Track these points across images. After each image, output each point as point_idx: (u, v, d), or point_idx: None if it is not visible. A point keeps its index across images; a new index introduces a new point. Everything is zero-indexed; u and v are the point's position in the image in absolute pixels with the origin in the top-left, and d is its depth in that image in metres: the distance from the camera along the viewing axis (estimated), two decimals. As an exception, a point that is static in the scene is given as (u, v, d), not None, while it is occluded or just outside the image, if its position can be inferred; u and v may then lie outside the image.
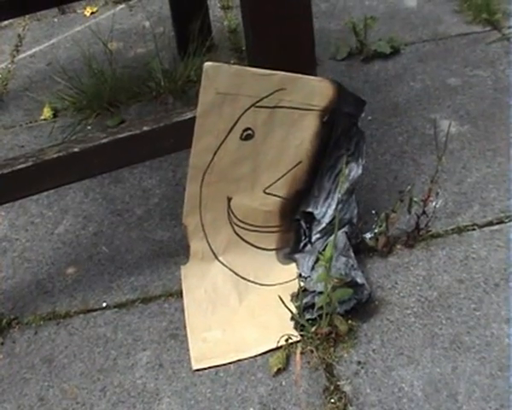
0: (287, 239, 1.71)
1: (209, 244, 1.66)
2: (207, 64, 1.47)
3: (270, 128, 1.57)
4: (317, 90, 1.56)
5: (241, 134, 1.56)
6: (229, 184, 1.61)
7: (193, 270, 1.69)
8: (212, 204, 1.62)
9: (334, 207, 1.64)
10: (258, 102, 1.53)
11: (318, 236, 1.68)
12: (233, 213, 1.65)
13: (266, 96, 1.52)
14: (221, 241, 1.67)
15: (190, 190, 1.60)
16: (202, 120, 1.51)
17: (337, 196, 1.64)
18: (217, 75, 1.47)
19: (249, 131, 1.56)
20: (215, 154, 1.56)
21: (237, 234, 1.68)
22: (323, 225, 1.67)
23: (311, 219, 1.68)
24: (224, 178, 1.60)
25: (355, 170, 1.64)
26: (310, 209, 1.67)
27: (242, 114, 1.53)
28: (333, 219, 1.63)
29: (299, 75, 1.53)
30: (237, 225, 1.67)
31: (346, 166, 1.61)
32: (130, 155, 1.58)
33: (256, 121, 1.55)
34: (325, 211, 1.66)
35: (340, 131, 1.62)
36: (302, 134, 1.59)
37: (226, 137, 1.55)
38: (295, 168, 1.63)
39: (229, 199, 1.64)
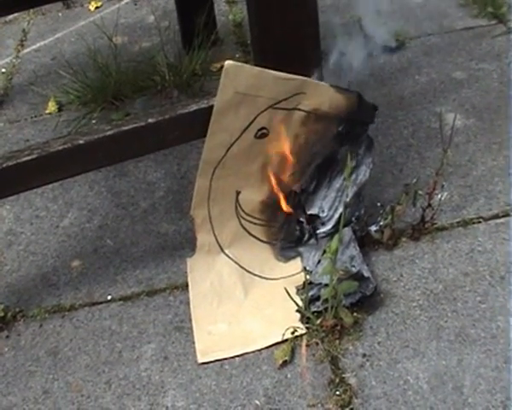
0: (291, 234, 1.71)
1: (216, 237, 1.66)
2: (228, 63, 1.46)
3: (285, 128, 1.57)
4: (337, 99, 1.57)
5: (256, 133, 1.56)
6: (239, 178, 1.61)
7: (199, 262, 1.69)
8: (220, 198, 1.62)
9: (340, 210, 1.64)
10: (276, 103, 1.53)
11: (323, 236, 1.67)
12: (240, 206, 1.65)
13: (285, 99, 1.52)
14: (227, 234, 1.67)
15: (200, 184, 1.60)
16: (218, 117, 1.51)
17: (344, 199, 1.63)
18: (237, 75, 1.47)
19: (264, 130, 1.57)
20: (228, 150, 1.56)
21: (244, 227, 1.68)
22: (329, 227, 1.67)
23: (315, 219, 1.68)
24: (234, 173, 1.60)
25: (362, 174, 1.65)
26: (315, 212, 1.67)
27: (259, 114, 1.53)
28: (338, 222, 1.63)
29: (321, 82, 1.54)
30: (244, 219, 1.67)
31: (353, 172, 1.61)
32: (135, 147, 1.58)
33: (272, 121, 1.56)
34: (332, 214, 1.67)
35: (352, 136, 1.62)
36: (315, 137, 1.59)
37: (241, 135, 1.55)
38: (305, 168, 1.63)
39: (238, 193, 1.64)
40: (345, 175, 1.54)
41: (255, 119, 1.54)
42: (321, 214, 1.67)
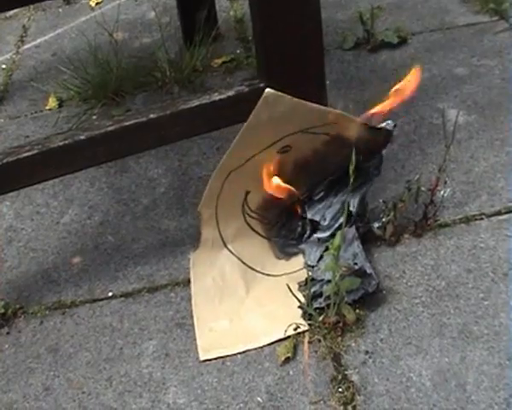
0: (292, 230, 1.71)
1: (220, 233, 1.65)
2: (269, 91, 1.45)
3: (308, 145, 1.58)
4: (366, 137, 1.57)
5: (280, 149, 1.56)
6: (252, 181, 1.61)
7: (202, 257, 1.68)
8: (230, 197, 1.61)
9: (341, 221, 1.63)
10: (307, 129, 1.53)
11: (324, 238, 1.67)
12: (247, 204, 1.65)
13: (317, 126, 1.53)
14: (232, 230, 1.66)
15: (213, 184, 1.58)
16: (247, 134, 1.51)
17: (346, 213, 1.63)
18: (275, 103, 1.47)
19: (288, 148, 1.57)
20: (248, 160, 1.56)
21: (248, 223, 1.67)
22: (327, 234, 1.66)
23: (316, 224, 1.68)
24: (248, 178, 1.60)
25: (368, 184, 1.65)
26: (317, 218, 1.66)
27: (288, 135, 1.54)
28: (337, 229, 1.63)
29: (356, 119, 1.55)
30: (249, 215, 1.67)
31: (360, 185, 1.62)
32: (137, 142, 1.57)
33: (297, 141, 1.56)
34: (333, 224, 1.66)
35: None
36: (335, 158, 1.59)
37: (264, 149, 1.55)
38: (317, 181, 1.65)
39: (247, 192, 1.63)
40: (350, 188, 1.53)
41: (283, 138, 1.54)
42: (322, 222, 1.66)
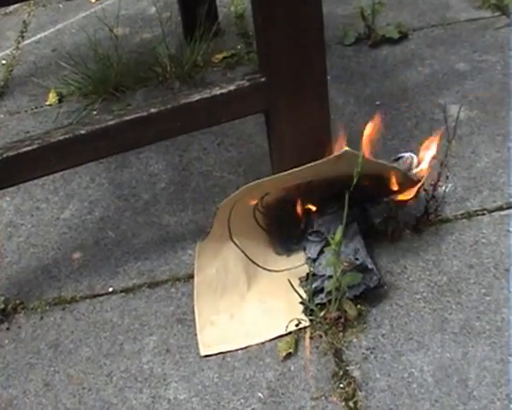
0: (295, 227, 1.70)
1: (229, 225, 1.64)
2: (348, 151, 1.45)
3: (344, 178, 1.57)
4: (406, 184, 1.60)
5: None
6: (273, 189, 1.62)
7: (208, 248, 1.67)
8: (248, 199, 1.61)
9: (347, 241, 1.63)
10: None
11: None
12: (261, 203, 1.64)
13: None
14: (239, 223, 1.65)
15: (240, 192, 1.57)
16: (302, 173, 1.51)
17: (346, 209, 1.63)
18: (350, 160, 1.46)
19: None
20: (284, 186, 1.58)
21: (255, 218, 1.67)
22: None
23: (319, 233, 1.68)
24: (271, 188, 1.61)
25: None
26: (322, 230, 1.65)
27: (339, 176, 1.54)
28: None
29: (407, 174, 1.61)
30: (258, 210, 1.66)
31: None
32: (137, 137, 1.56)
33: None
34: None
35: None
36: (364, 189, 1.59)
37: (307, 181, 1.58)
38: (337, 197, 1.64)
39: (266, 194, 1.62)
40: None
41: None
42: (326, 234, 1.65)
